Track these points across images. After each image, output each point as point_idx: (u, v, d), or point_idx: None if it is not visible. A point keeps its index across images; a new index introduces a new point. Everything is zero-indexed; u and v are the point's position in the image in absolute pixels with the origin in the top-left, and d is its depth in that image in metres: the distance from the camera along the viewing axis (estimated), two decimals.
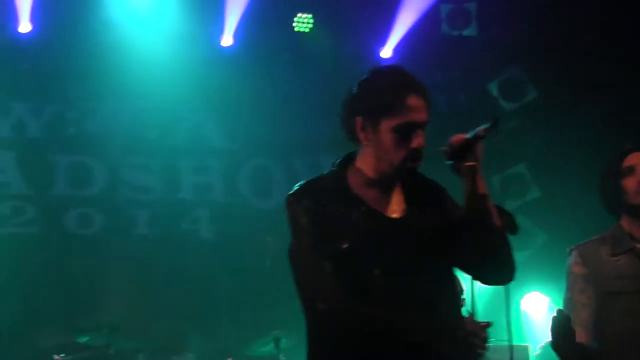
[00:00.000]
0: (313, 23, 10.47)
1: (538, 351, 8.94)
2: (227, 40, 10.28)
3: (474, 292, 6.72)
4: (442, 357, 3.44)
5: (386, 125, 3.56)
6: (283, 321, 8.13)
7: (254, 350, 8.51)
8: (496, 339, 8.22)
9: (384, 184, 3.67)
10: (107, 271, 9.80)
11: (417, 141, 3.57)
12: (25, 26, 9.75)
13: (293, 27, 10.47)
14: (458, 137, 3.52)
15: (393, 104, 3.55)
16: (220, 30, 10.25)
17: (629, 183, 4.60)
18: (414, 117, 3.56)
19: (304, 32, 10.47)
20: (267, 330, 8.37)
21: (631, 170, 4.61)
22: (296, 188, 3.67)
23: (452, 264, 3.68)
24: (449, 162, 3.55)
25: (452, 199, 3.76)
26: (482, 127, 3.47)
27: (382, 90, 3.58)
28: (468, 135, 3.50)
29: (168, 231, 10.10)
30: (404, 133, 3.55)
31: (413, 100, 3.56)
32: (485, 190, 3.55)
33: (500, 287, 8.62)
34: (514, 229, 3.91)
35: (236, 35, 10.26)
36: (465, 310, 3.60)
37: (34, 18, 9.78)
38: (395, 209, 3.66)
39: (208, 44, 10.27)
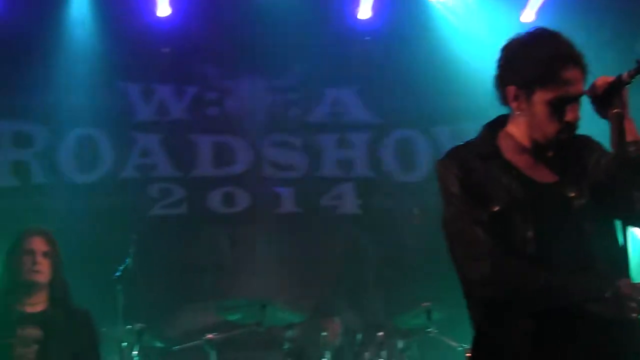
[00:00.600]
0: None
1: None
2: (364, 13, 10.12)
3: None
4: (595, 318, 3.32)
5: (540, 97, 3.44)
6: (434, 293, 8.01)
7: (404, 323, 8.42)
8: None
9: (536, 152, 3.55)
10: (253, 249, 9.84)
11: (572, 114, 3.45)
12: (164, 9, 9.83)
13: None
14: (602, 80, 3.35)
15: (548, 76, 3.41)
16: (357, 4, 10.12)
17: None
18: (569, 90, 3.42)
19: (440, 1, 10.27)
20: (417, 303, 8.27)
21: None
22: (445, 154, 3.60)
23: (609, 221, 3.53)
24: (595, 106, 3.41)
25: (603, 148, 3.59)
26: (627, 72, 3.29)
27: (537, 61, 3.43)
28: (613, 79, 3.34)
29: (312, 207, 10.07)
30: (558, 106, 3.42)
31: (570, 73, 3.42)
32: (636, 135, 3.37)
33: None
34: None
35: (375, 8, 10.11)
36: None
37: (172, 1, 9.86)
38: (547, 175, 3.53)
39: (344, 18, 10.17)
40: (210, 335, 8.10)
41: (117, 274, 7.08)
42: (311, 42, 9.88)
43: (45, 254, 5.73)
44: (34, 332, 5.41)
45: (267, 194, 10.12)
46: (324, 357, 8.20)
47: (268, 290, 9.02)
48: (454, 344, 7.88)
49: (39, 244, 5.76)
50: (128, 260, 7.26)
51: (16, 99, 9.78)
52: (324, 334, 8.36)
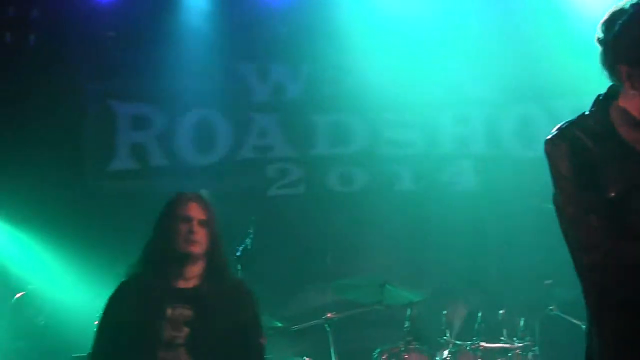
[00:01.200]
0: None
1: None
2: None
3: None
4: None
5: None
6: (556, 271, 7.86)
7: (525, 301, 8.29)
8: None
9: None
10: (371, 228, 9.81)
11: None
12: None
13: None
14: None
15: None
16: None
17: None
18: None
19: None
20: (538, 280, 8.13)
21: None
22: (554, 132, 3.36)
23: None
24: None
25: None
26: None
27: None
28: None
29: (430, 185, 9.98)
30: None
31: None
32: None
33: None
34: None
35: None
36: None
37: None
38: None
39: None
40: (329, 315, 8.13)
41: (237, 254, 7.12)
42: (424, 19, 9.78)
43: (202, 223, 5.01)
44: (185, 312, 4.76)
45: (384, 172, 10.06)
46: (444, 336, 8.14)
47: (387, 269, 8.99)
48: (576, 322, 7.73)
49: (196, 211, 5.04)
50: (247, 241, 7.31)
51: (134, 82, 9.95)
52: (445, 312, 8.30)
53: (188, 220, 4.94)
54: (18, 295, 9.04)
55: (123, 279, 5.00)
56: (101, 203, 9.73)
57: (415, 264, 9.52)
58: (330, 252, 9.76)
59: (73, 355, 8.03)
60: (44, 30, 9.93)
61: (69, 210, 9.60)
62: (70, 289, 9.32)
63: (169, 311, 4.75)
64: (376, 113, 10.14)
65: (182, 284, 4.89)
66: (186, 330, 4.71)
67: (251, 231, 7.45)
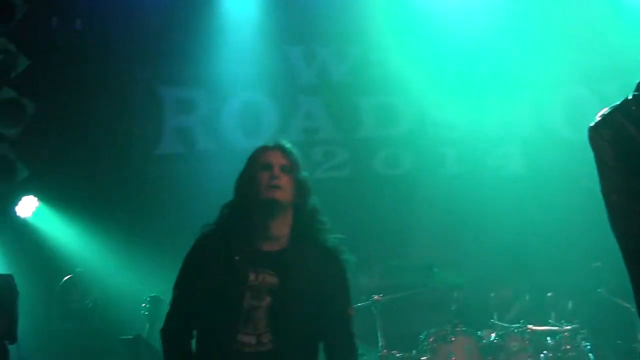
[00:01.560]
0: None
1: None
2: None
3: None
4: None
5: None
6: (605, 253, 7.80)
7: (574, 283, 8.23)
8: None
9: None
10: (417, 210, 9.78)
11: None
12: None
13: None
14: None
15: None
16: None
17: None
18: None
19: None
20: (587, 263, 8.07)
21: None
22: (598, 118, 3.27)
23: None
24: None
25: None
26: None
27: None
28: None
29: (477, 168, 9.92)
30: None
31: None
32: None
33: None
34: None
35: None
36: None
37: None
38: None
39: None
40: (376, 297, 8.12)
41: None
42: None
43: (284, 168, 4.47)
44: (269, 278, 4.30)
45: (430, 155, 10.01)
46: (491, 319, 8.12)
47: (434, 251, 8.97)
48: (626, 304, 7.67)
49: (277, 158, 4.51)
50: None
51: (178, 66, 9.99)
52: (492, 295, 8.28)
53: (269, 167, 4.44)
54: (66, 278, 9.13)
55: (202, 234, 4.51)
56: (148, 187, 9.78)
57: (462, 247, 9.49)
58: (377, 235, 9.74)
59: (120, 337, 8.10)
60: (90, 15, 9.99)
61: (116, 195, 9.68)
62: (117, 272, 9.40)
63: (251, 276, 4.30)
64: (422, 95, 10.08)
65: (266, 247, 4.38)
66: (268, 299, 4.29)
67: None
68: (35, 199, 9.61)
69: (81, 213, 9.57)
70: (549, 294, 8.13)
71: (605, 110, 3.27)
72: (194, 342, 4.49)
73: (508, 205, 9.57)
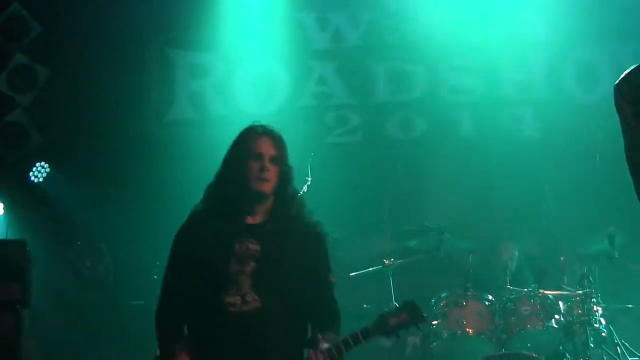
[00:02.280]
0: None
1: None
2: None
3: None
4: None
5: None
6: (618, 218, 7.79)
7: (585, 248, 8.21)
8: None
9: None
10: (430, 174, 9.76)
11: None
12: None
13: None
14: None
15: None
16: None
17: None
18: None
19: None
20: (599, 227, 8.04)
21: None
22: (621, 77, 3.32)
23: None
24: None
25: None
26: None
27: None
28: None
29: (490, 131, 9.87)
30: None
31: None
32: None
33: None
34: None
35: None
36: None
37: None
38: None
39: None
40: (387, 261, 8.13)
41: None
42: None
43: (273, 159, 4.75)
44: (252, 246, 4.64)
45: (444, 119, 9.98)
46: (503, 283, 8.12)
47: (446, 215, 8.94)
48: (638, 268, 7.66)
49: (267, 147, 4.79)
50: (304, 188, 7.30)
51: (191, 31, 9.97)
52: (504, 258, 8.27)
53: (259, 157, 4.73)
54: (78, 244, 9.18)
55: (193, 211, 4.87)
56: (161, 152, 9.79)
57: (475, 211, 9.47)
58: (390, 199, 9.73)
59: (131, 302, 8.15)
60: None
61: (128, 160, 9.70)
62: (129, 238, 9.43)
63: (236, 246, 4.65)
64: (436, 59, 10.03)
65: (249, 220, 4.75)
66: (252, 264, 4.63)
67: (309, 178, 7.44)
68: (48, 165, 9.64)
69: (93, 179, 9.60)
70: (562, 258, 8.11)
71: (627, 70, 3.28)
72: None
73: (522, 169, 9.54)
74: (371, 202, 9.74)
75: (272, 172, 4.72)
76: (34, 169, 9.57)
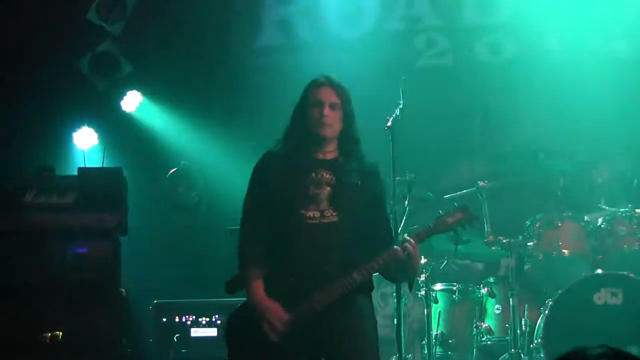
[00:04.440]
0: None
1: None
2: None
3: None
4: None
5: None
6: None
7: None
8: None
9: None
10: (521, 97, 9.64)
11: None
12: None
13: None
14: None
15: None
16: None
17: None
18: None
19: None
20: None
21: None
22: None
23: None
24: None
25: None
26: None
27: None
28: None
29: (581, 53, 9.65)
30: None
31: None
32: None
33: None
34: None
35: None
36: None
37: None
38: None
39: None
40: (482, 183, 8.07)
41: (387, 125, 7.04)
42: None
43: (333, 105, 5.19)
44: (327, 175, 5.13)
45: (534, 41, 9.79)
46: (598, 204, 8.02)
47: (539, 138, 8.83)
48: None
49: (327, 94, 5.22)
50: (397, 111, 7.23)
51: None
52: (599, 180, 8.16)
53: (319, 104, 5.17)
54: (171, 171, 9.27)
55: (266, 152, 5.30)
56: (249, 79, 9.81)
57: (568, 132, 9.31)
58: (481, 123, 9.65)
59: (229, 227, 8.21)
60: None
61: (218, 88, 9.74)
62: (221, 165, 9.50)
63: (312, 174, 5.13)
64: None
65: (320, 156, 5.23)
66: (328, 189, 5.11)
67: (400, 102, 7.37)
68: (139, 93, 9.73)
69: (184, 107, 9.67)
70: None
71: None
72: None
73: (615, 88, 9.34)
74: (462, 125, 9.67)
75: (332, 117, 5.16)
76: (126, 97, 9.67)
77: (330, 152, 5.24)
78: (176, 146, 9.69)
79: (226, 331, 5.31)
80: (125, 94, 9.67)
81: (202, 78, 9.78)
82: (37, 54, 9.49)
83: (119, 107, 9.69)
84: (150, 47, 9.74)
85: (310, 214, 5.05)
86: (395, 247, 5.01)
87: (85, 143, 9.39)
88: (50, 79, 9.51)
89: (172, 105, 9.71)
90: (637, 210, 7.75)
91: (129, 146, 9.57)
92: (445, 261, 8.21)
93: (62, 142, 9.45)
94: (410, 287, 5.38)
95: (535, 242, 7.88)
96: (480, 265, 9.12)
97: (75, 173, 7.54)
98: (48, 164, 7.65)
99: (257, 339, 5.00)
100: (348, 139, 5.26)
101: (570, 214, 7.92)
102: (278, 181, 5.12)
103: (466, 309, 8.17)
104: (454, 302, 8.14)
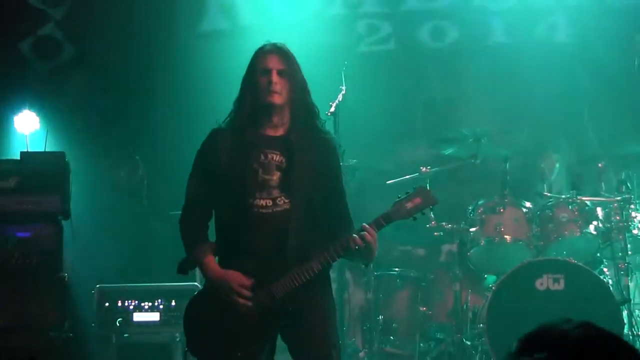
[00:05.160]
0: None
1: None
2: None
3: None
4: None
5: None
6: None
7: (624, 149, 8.16)
8: None
9: None
10: (464, 82, 9.70)
11: None
12: None
13: None
14: None
15: None
16: None
17: None
18: None
19: None
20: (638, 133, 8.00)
21: None
22: None
23: None
24: None
25: None
26: None
27: None
28: None
29: (523, 38, 9.74)
30: None
31: None
32: None
33: None
34: None
35: None
36: None
37: None
38: None
39: None
40: (424, 169, 8.12)
41: (330, 110, 7.06)
42: None
43: (281, 73, 5.03)
44: (276, 157, 4.97)
45: (477, 26, 9.85)
46: (541, 190, 8.10)
47: (481, 123, 8.88)
48: None
49: (274, 62, 5.06)
50: (339, 97, 7.25)
51: None
52: (542, 165, 8.24)
53: (267, 72, 5.04)
54: (114, 156, 9.21)
55: (213, 129, 5.20)
56: (193, 64, 9.75)
57: (510, 118, 9.41)
58: (424, 108, 9.70)
59: (171, 212, 8.19)
60: None
61: (160, 71, 9.67)
62: (165, 149, 9.45)
63: (261, 156, 5.00)
64: None
65: (271, 132, 5.09)
66: (278, 174, 4.99)
67: (343, 87, 7.40)
68: (82, 77, 9.64)
69: (127, 91, 9.59)
70: (600, 164, 8.06)
71: None
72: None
73: (556, 75, 9.44)
74: (405, 110, 9.71)
75: (280, 85, 5.03)
76: (70, 80, 9.58)
77: (281, 126, 5.10)
78: (119, 130, 9.60)
79: (184, 320, 5.16)
80: (68, 78, 9.59)
81: (146, 61, 9.69)
82: None
83: (62, 90, 9.59)
84: (93, 31, 9.63)
85: (263, 202, 4.95)
86: (353, 235, 4.87)
87: (27, 127, 9.28)
88: None
89: (115, 89, 9.62)
90: (578, 197, 7.84)
91: (72, 129, 9.47)
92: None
93: (3, 126, 9.34)
94: (367, 266, 5.38)
95: (477, 227, 7.96)
96: (421, 251, 9.18)
97: (18, 157, 7.48)
98: None
99: (214, 322, 4.94)
100: (300, 108, 5.12)
101: (512, 199, 8.00)
102: (225, 164, 5.01)
103: (408, 294, 8.24)
104: (396, 287, 8.20)
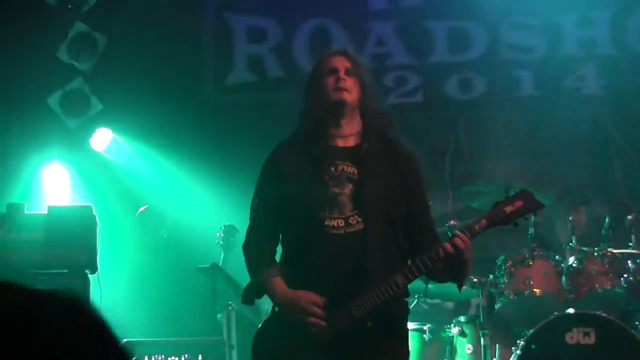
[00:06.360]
0: None
1: None
2: None
3: None
4: None
5: None
6: None
7: None
8: None
9: None
10: (492, 135, 9.67)
11: None
12: None
13: None
14: None
15: None
16: None
17: None
18: None
19: None
20: None
21: None
22: None
23: None
24: None
25: None
26: None
27: None
28: None
29: (553, 90, 9.72)
30: None
31: None
32: None
33: None
34: None
35: None
36: None
37: None
38: None
39: None
40: (452, 222, 8.05)
41: None
42: None
43: (349, 71, 4.64)
44: (348, 169, 4.52)
45: (505, 78, 9.84)
46: (570, 242, 8.01)
47: (509, 176, 8.82)
48: None
49: (341, 62, 4.67)
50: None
51: None
52: (570, 218, 8.15)
53: (334, 71, 4.63)
54: (141, 209, 9.22)
55: (278, 144, 4.79)
56: (221, 116, 9.79)
57: (539, 170, 9.35)
58: (451, 160, 9.67)
59: (198, 266, 8.17)
60: None
61: (188, 125, 9.71)
62: (191, 202, 9.46)
63: (332, 168, 4.53)
64: (496, 17, 9.88)
65: (341, 143, 4.62)
66: (350, 186, 4.49)
67: None
68: (110, 131, 9.70)
69: (154, 145, 9.63)
70: (630, 217, 7.97)
71: None
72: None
73: (586, 127, 9.40)
74: (433, 163, 9.67)
75: (349, 82, 4.61)
76: (95, 135, 9.64)
77: (351, 135, 4.63)
78: (146, 184, 9.63)
79: (252, 352, 4.64)
80: (94, 132, 9.63)
81: (173, 115, 9.74)
82: (8, 92, 9.46)
83: (89, 145, 9.64)
84: (120, 85, 9.70)
85: (334, 222, 4.43)
86: (443, 243, 4.34)
87: (55, 180, 9.32)
88: (20, 116, 9.48)
89: (142, 143, 9.67)
90: (608, 250, 7.75)
91: (101, 184, 9.51)
92: (416, 300, 8.17)
93: (32, 180, 9.39)
94: (460, 288, 4.71)
95: (506, 280, 7.87)
96: (450, 304, 9.09)
97: (45, 210, 7.51)
98: (18, 201, 7.62)
99: (283, 352, 4.46)
100: (371, 115, 4.67)
101: (541, 252, 7.91)
102: (291, 179, 4.57)
103: (437, 348, 8.13)
104: (425, 342, 8.10)
